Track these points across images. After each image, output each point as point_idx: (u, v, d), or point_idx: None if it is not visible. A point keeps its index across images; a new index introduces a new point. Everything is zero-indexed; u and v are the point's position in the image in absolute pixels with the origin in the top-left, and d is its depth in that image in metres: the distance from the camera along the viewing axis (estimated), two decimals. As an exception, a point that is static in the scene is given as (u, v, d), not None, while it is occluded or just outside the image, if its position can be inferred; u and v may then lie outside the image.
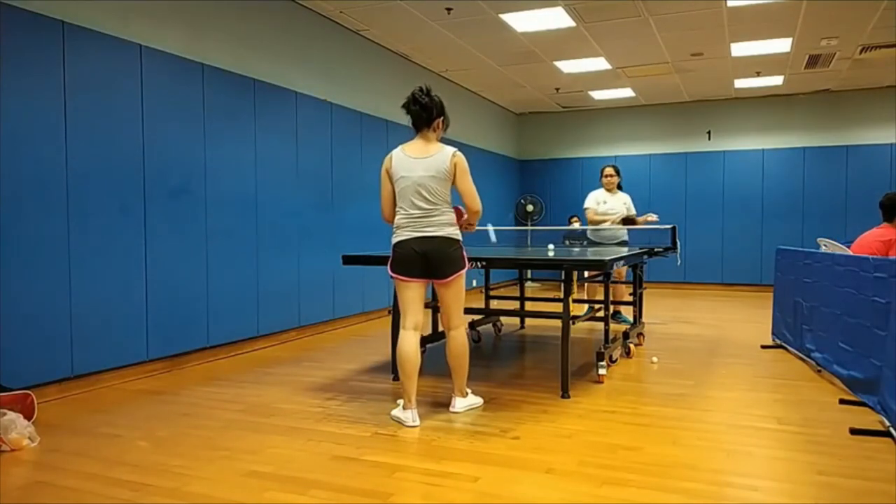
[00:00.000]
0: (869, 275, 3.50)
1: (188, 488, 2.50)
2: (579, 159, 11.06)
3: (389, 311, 4.31)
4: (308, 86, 6.04)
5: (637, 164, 10.56)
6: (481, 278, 6.18)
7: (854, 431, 3.08)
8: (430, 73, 8.43)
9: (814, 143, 9.75)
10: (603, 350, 4.18)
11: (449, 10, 6.05)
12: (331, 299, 6.33)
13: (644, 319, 5.83)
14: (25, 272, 3.63)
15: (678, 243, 5.91)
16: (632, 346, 4.99)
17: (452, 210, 3.38)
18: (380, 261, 4.32)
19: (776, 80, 8.97)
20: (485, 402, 3.65)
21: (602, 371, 4.12)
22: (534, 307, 6.79)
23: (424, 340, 3.92)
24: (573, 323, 3.89)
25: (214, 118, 4.91)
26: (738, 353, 5.09)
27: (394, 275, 3.36)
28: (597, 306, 5.36)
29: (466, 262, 3.41)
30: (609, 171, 6.48)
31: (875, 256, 3.91)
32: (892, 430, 3.00)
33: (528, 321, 6.56)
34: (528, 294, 6.89)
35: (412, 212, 3.29)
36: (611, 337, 4.52)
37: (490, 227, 4.86)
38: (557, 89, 9.52)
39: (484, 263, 3.89)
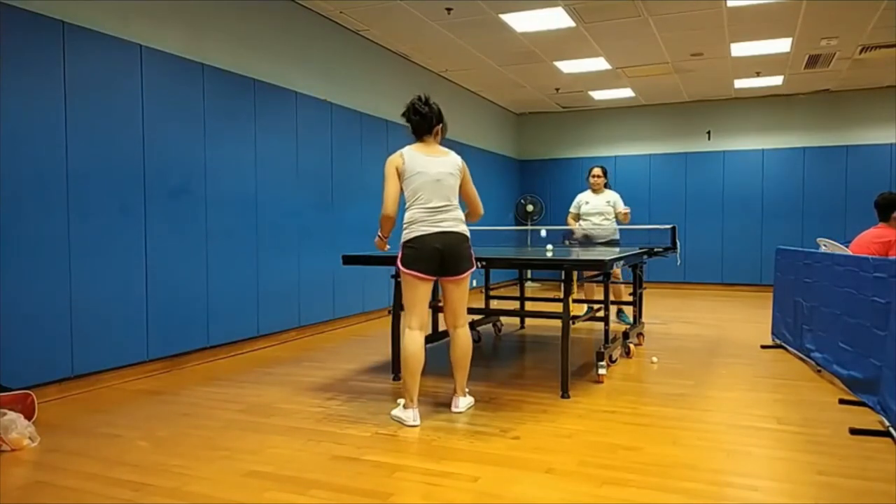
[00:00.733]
0: (869, 275, 3.50)
1: (188, 488, 2.51)
2: (579, 159, 11.06)
3: (389, 311, 4.32)
4: (308, 86, 6.04)
5: (637, 164, 10.56)
6: (481, 278, 6.18)
7: (854, 431, 3.08)
8: (430, 73, 8.43)
9: (814, 143, 9.75)
10: (603, 350, 4.19)
11: (449, 10, 6.05)
12: (331, 299, 6.33)
13: (644, 319, 5.84)
14: (25, 272, 3.63)
15: (678, 243, 5.91)
16: (632, 346, 4.99)
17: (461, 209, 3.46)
18: (380, 261, 4.32)
19: (776, 80, 8.97)
20: (485, 401, 3.66)
21: (602, 371, 4.12)
22: (534, 307, 6.79)
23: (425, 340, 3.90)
24: (573, 323, 3.89)
25: (214, 118, 4.91)
26: (738, 353, 5.09)
27: (408, 271, 3.31)
28: (596, 306, 5.36)
29: (475, 261, 3.47)
30: (597, 171, 6.54)
31: (875, 256, 3.91)
32: (891, 430, 3.00)
33: (528, 321, 6.56)
34: (528, 294, 6.89)
35: (431, 206, 3.32)
36: (611, 337, 4.52)
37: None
38: (557, 89, 9.52)
39: (484, 263, 3.90)
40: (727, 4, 5.94)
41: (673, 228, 5.99)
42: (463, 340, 3.47)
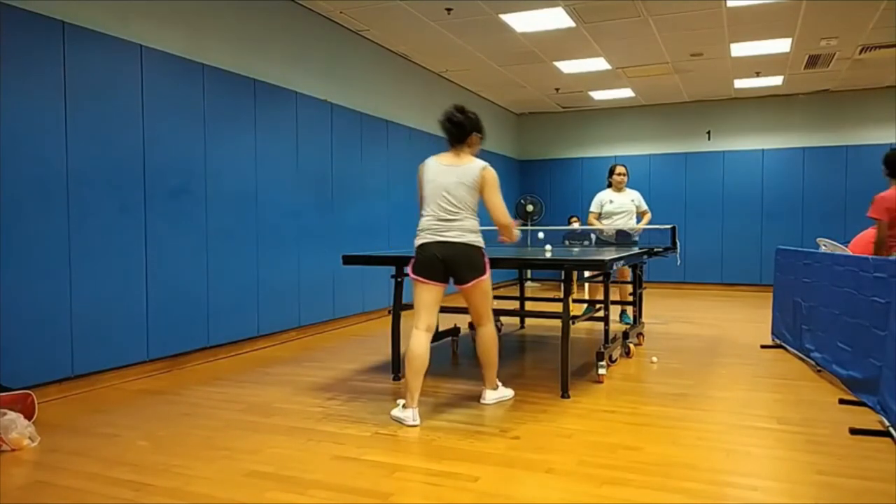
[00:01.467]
0: (868, 275, 3.50)
1: (188, 488, 2.51)
2: (579, 159, 11.07)
3: (389, 311, 4.33)
4: (308, 86, 6.04)
5: (637, 164, 10.51)
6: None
7: (854, 431, 3.09)
8: (429, 73, 8.43)
9: (813, 143, 9.75)
10: (603, 350, 4.19)
11: (449, 10, 6.05)
12: (331, 299, 6.33)
13: (644, 319, 5.84)
14: (26, 272, 3.63)
15: (678, 243, 5.91)
16: (631, 346, 4.99)
17: (476, 219, 3.46)
18: (380, 261, 4.32)
19: (776, 81, 8.98)
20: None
21: (602, 371, 4.12)
22: (534, 307, 6.79)
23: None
24: (573, 323, 3.90)
25: (214, 118, 4.91)
26: (738, 352, 5.09)
27: (413, 276, 3.44)
28: (597, 306, 5.36)
29: (488, 268, 3.49)
30: (622, 169, 6.51)
31: (875, 256, 3.91)
32: (891, 429, 3.00)
33: (528, 321, 6.56)
34: (528, 294, 6.89)
35: (436, 216, 3.41)
36: (610, 337, 4.52)
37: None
38: (557, 89, 9.52)
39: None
40: (727, 4, 5.94)
41: (673, 228, 6.00)
42: (483, 339, 3.58)
